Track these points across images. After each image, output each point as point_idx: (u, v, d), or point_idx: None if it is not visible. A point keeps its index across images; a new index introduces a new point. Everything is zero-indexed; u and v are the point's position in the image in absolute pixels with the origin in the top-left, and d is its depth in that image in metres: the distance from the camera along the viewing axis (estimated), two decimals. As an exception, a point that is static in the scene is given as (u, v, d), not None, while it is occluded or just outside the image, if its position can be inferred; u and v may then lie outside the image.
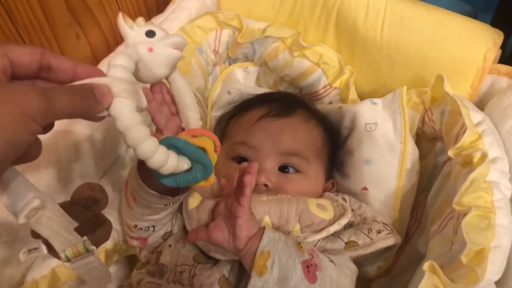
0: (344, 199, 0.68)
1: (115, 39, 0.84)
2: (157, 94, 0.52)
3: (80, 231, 0.36)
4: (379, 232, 0.61)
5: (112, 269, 0.73)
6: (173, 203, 0.56)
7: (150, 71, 0.44)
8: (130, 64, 0.38)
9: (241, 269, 0.57)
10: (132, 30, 0.44)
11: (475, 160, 0.55)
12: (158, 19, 0.83)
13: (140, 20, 0.45)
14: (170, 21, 0.81)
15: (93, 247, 0.37)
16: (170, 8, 0.83)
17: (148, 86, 0.52)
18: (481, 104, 0.68)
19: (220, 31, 0.83)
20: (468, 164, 0.57)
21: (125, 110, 0.35)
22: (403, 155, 0.67)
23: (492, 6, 1.10)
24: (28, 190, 0.34)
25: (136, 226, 0.60)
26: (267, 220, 0.59)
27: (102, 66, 0.71)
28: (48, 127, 0.36)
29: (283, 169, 0.67)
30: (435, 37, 0.70)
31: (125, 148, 0.76)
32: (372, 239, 0.60)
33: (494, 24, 0.71)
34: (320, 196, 0.70)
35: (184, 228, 0.64)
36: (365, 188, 0.70)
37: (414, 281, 0.56)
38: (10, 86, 0.31)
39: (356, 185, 0.71)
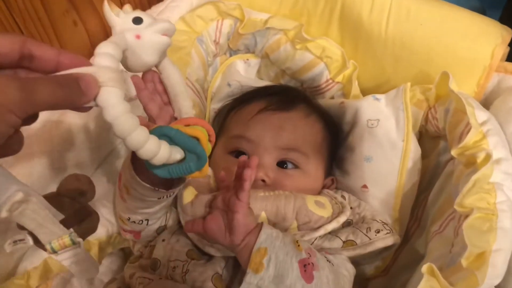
0: (343, 197, 0.67)
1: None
2: (149, 83, 0.51)
3: (66, 223, 0.36)
4: (378, 232, 0.60)
5: (106, 261, 0.72)
6: (167, 196, 0.54)
7: (139, 58, 0.43)
8: (117, 52, 0.37)
9: (235, 266, 0.56)
10: (119, 17, 0.42)
11: (478, 160, 0.54)
12: (158, 8, 0.82)
13: (127, 7, 0.44)
14: (170, 9, 0.79)
15: (80, 239, 0.36)
16: (170, -3, 0.81)
17: (139, 75, 0.50)
18: (486, 103, 0.66)
19: (221, 21, 0.81)
20: (471, 165, 0.55)
21: (113, 100, 0.34)
22: (405, 153, 0.66)
23: (501, 2, 1.08)
24: (10, 183, 0.33)
25: (129, 219, 0.59)
26: (263, 216, 0.58)
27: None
28: (31, 119, 0.35)
29: (281, 164, 0.65)
30: (441, 33, 0.68)
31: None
32: (370, 239, 0.59)
33: (502, 20, 0.70)
34: (319, 193, 0.68)
35: (178, 223, 0.63)
36: (365, 186, 0.68)
37: (412, 282, 0.55)
38: None
39: (356, 182, 0.70)
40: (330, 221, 0.60)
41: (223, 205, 0.53)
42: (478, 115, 0.59)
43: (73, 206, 0.38)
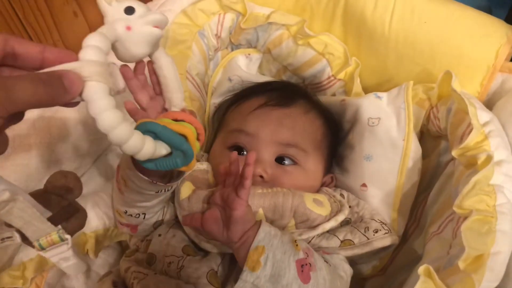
0: (342, 195, 0.67)
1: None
2: (141, 75, 0.50)
3: (54, 220, 0.36)
4: (376, 232, 0.60)
5: (103, 254, 0.73)
6: (164, 190, 0.54)
7: (129, 51, 0.42)
8: (105, 44, 0.36)
9: (231, 263, 0.56)
10: (111, 6, 0.41)
11: (479, 162, 0.53)
12: (160, 0, 0.81)
13: None
14: (171, 2, 0.79)
15: (68, 236, 0.36)
16: (172, -11, 0.81)
17: (130, 65, 0.50)
18: (490, 103, 0.65)
19: (223, 15, 0.80)
20: (472, 166, 0.55)
21: (97, 95, 0.34)
22: (405, 153, 0.65)
23: (508, 1, 1.06)
24: None
25: (126, 212, 0.59)
26: (261, 213, 0.57)
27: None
28: (16, 118, 0.34)
29: (280, 160, 0.65)
30: (445, 31, 0.67)
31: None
32: (368, 239, 0.59)
33: (508, 20, 0.68)
34: (318, 190, 0.68)
35: (175, 218, 0.63)
36: (364, 185, 0.68)
37: (409, 283, 0.55)
38: None
39: (355, 181, 0.69)
40: (328, 220, 0.60)
41: (221, 201, 0.52)
42: (481, 115, 0.58)
43: (61, 203, 0.38)
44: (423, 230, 0.64)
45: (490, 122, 0.58)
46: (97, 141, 0.70)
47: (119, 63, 0.45)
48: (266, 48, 0.82)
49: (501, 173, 0.53)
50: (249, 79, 0.81)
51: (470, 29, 0.66)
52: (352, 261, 0.62)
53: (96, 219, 0.67)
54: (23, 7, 0.66)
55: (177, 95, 0.50)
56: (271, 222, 0.57)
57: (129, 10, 0.41)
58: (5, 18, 0.65)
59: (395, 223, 0.65)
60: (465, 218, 0.50)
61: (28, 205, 0.34)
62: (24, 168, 0.62)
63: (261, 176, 0.62)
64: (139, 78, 0.50)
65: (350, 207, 0.64)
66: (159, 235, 0.60)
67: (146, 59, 0.49)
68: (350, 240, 0.59)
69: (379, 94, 0.70)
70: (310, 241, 0.59)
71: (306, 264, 0.50)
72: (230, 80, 0.82)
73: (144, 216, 0.59)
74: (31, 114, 0.62)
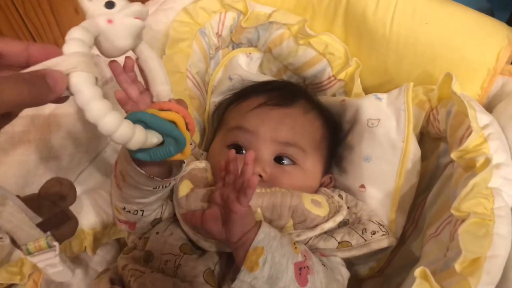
0: (340, 196, 0.67)
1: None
2: (131, 72, 0.50)
3: (44, 226, 0.36)
4: (374, 233, 0.60)
5: (101, 251, 0.73)
6: (162, 187, 0.54)
7: (112, 43, 0.42)
8: (87, 36, 0.36)
9: (228, 262, 0.56)
10: (92, 2, 0.41)
11: (478, 164, 0.53)
12: (161, -2, 0.81)
13: None
14: (173, 0, 0.79)
15: (56, 243, 0.36)
16: (173, -13, 0.81)
17: (118, 59, 0.49)
18: (490, 106, 0.65)
19: (224, 14, 0.80)
20: (470, 168, 0.55)
21: (82, 85, 0.33)
22: (404, 154, 0.65)
23: (510, 4, 1.06)
24: None
25: (124, 208, 0.59)
26: (259, 213, 0.57)
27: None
28: (3, 120, 0.34)
29: (278, 160, 0.65)
30: (446, 33, 0.67)
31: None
32: (366, 240, 0.59)
33: (510, 22, 0.68)
34: (316, 191, 0.68)
35: (173, 216, 0.63)
36: (362, 186, 0.68)
37: (405, 285, 0.55)
38: None
39: (354, 182, 0.69)
40: (326, 220, 0.60)
41: (222, 200, 0.52)
42: (480, 118, 0.58)
43: (52, 209, 0.39)
44: (421, 232, 0.64)
45: (490, 125, 0.58)
46: (96, 138, 0.70)
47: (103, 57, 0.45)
48: (267, 47, 0.82)
49: (499, 176, 0.53)
50: (249, 78, 0.80)
51: (471, 31, 0.66)
52: (349, 262, 0.62)
53: (94, 216, 0.67)
54: (24, 3, 0.66)
55: (164, 87, 0.49)
56: (269, 222, 0.57)
57: (109, 4, 0.41)
58: (6, 14, 0.65)
59: (393, 225, 0.65)
60: (463, 220, 0.50)
61: (17, 209, 0.34)
62: (23, 164, 0.62)
63: (260, 176, 0.61)
64: (129, 75, 0.50)
65: (348, 208, 0.64)
66: (157, 233, 0.60)
67: (135, 57, 0.49)
68: (348, 241, 0.59)
69: (379, 95, 0.70)
70: (307, 242, 0.59)
71: (304, 267, 0.50)
72: (230, 79, 0.82)
73: (142, 213, 0.59)
74: (30, 111, 0.63)
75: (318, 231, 0.58)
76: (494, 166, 0.53)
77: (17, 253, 0.61)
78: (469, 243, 0.47)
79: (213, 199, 0.53)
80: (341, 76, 0.78)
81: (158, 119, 0.40)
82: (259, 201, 0.57)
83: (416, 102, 0.68)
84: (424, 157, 0.68)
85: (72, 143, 0.66)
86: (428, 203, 0.65)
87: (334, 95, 0.81)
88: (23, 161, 0.62)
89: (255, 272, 0.48)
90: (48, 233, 0.36)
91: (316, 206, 0.60)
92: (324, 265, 0.55)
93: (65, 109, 0.64)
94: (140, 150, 0.40)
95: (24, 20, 0.67)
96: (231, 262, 0.55)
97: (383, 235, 0.60)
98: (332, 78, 0.79)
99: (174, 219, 0.62)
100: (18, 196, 0.37)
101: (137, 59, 0.49)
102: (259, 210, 0.57)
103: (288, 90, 0.73)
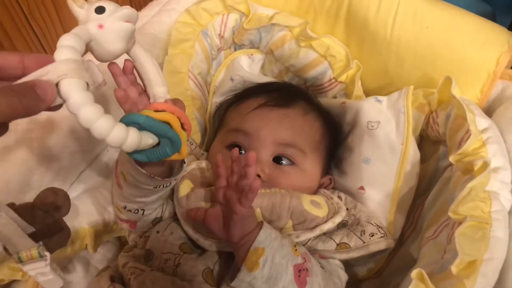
0: (339, 197, 0.67)
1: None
2: (131, 74, 0.51)
3: (36, 236, 0.37)
4: (372, 235, 0.60)
5: (102, 249, 0.73)
6: (163, 186, 0.54)
7: (104, 48, 0.42)
8: (78, 42, 0.37)
9: (228, 262, 0.56)
10: (83, 8, 0.42)
11: (476, 168, 0.53)
12: (164, -1, 0.82)
13: None
14: (176, 1, 0.80)
15: (47, 253, 0.37)
16: (177, -12, 0.81)
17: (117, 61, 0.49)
18: (490, 110, 0.66)
19: (226, 15, 0.81)
20: (468, 172, 0.55)
21: (73, 91, 0.34)
22: (404, 157, 0.65)
23: (512, 8, 1.06)
24: None
25: (125, 207, 0.59)
26: (258, 212, 0.58)
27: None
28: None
29: (277, 160, 0.65)
30: (447, 37, 0.67)
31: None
32: (364, 242, 0.59)
33: (512, 27, 0.69)
34: (315, 192, 0.68)
35: (174, 216, 0.63)
36: (362, 188, 0.68)
37: (402, 286, 0.55)
38: None
39: (353, 183, 0.69)
40: (325, 221, 0.60)
41: (224, 200, 0.52)
42: (479, 122, 0.58)
43: (46, 220, 0.39)
44: (420, 234, 0.64)
45: (489, 129, 0.58)
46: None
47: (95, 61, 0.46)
48: (269, 49, 0.83)
49: (497, 180, 0.53)
50: (250, 79, 0.81)
51: (471, 36, 0.67)
52: (348, 263, 0.63)
53: (96, 214, 0.67)
54: (28, 1, 0.67)
55: (160, 89, 0.50)
56: (269, 222, 0.57)
57: (100, 10, 0.42)
58: (10, 12, 0.65)
59: (391, 226, 0.65)
60: (460, 223, 0.50)
61: (9, 221, 0.35)
62: (25, 162, 0.62)
63: (259, 176, 0.62)
64: (129, 78, 0.51)
65: (347, 209, 0.65)
66: (157, 232, 0.60)
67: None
68: (346, 243, 0.59)
69: (380, 97, 0.70)
70: (306, 243, 0.59)
71: (304, 269, 0.51)
72: (232, 80, 0.82)
73: (143, 212, 0.60)
74: (2, 135, 0.63)
75: (317, 232, 0.59)
76: (492, 170, 0.54)
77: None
78: (465, 246, 0.47)
79: (217, 198, 0.54)
80: (342, 78, 0.79)
81: (152, 121, 0.40)
82: (258, 201, 0.57)
83: (416, 105, 0.68)
84: (423, 159, 0.69)
85: (74, 142, 0.67)
86: (426, 206, 0.65)
87: (335, 97, 0.81)
88: (25, 159, 0.63)
89: (254, 272, 0.48)
90: (40, 243, 0.37)
91: (315, 207, 0.60)
92: (322, 268, 0.55)
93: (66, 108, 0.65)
94: (137, 151, 0.41)
95: (28, 18, 0.68)
96: (230, 261, 0.55)
97: (381, 237, 0.60)
98: (333, 80, 0.80)
99: (174, 218, 0.63)
100: (12, 204, 0.38)
101: (132, 62, 0.50)
102: (258, 210, 0.58)
103: (288, 91, 0.74)
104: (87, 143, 0.70)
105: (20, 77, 0.35)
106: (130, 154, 0.42)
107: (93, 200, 0.68)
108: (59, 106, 0.36)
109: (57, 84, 0.34)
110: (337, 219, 0.61)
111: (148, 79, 0.49)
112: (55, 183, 0.65)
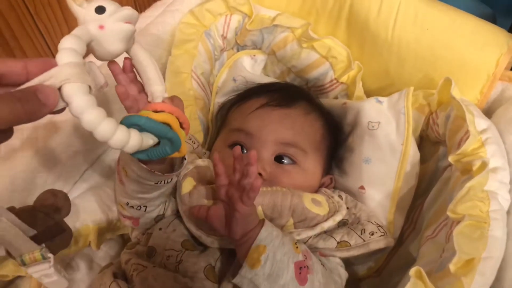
0: (340, 197, 0.68)
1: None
2: (131, 72, 0.51)
3: (38, 238, 0.37)
4: (372, 234, 0.61)
5: (104, 247, 0.74)
6: (164, 182, 0.55)
7: (105, 49, 0.43)
8: (79, 44, 0.37)
9: (229, 258, 0.57)
10: (82, 7, 0.41)
11: (474, 168, 0.54)
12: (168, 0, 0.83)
13: None
14: (179, 2, 0.81)
15: (50, 255, 0.37)
16: (181, -11, 0.82)
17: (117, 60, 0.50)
18: (489, 111, 0.66)
19: (229, 16, 0.82)
20: (467, 172, 0.56)
21: (75, 96, 0.34)
22: (403, 157, 0.66)
23: (513, 10, 1.06)
24: None
25: (128, 203, 0.60)
26: (259, 210, 0.58)
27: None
28: (3, 136, 0.35)
29: (279, 159, 0.66)
30: (447, 38, 0.68)
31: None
32: (364, 240, 0.60)
33: (512, 30, 0.69)
34: (316, 191, 0.69)
35: (176, 213, 0.64)
36: (362, 187, 0.69)
37: (401, 285, 0.55)
38: None
39: (354, 183, 0.70)
40: (326, 219, 0.60)
41: (227, 198, 0.53)
42: (478, 123, 0.59)
43: (47, 222, 0.39)
44: (419, 234, 0.65)
45: (488, 130, 0.59)
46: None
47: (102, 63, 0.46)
48: (271, 49, 0.84)
49: (496, 180, 0.54)
50: (253, 80, 0.82)
51: (471, 37, 0.67)
52: (348, 261, 0.63)
53: (99, 212, 0.68)
54: (35, 2, 0.68)
55: (159, 88, 0.50)
56: (270, 220, 0.58)
57: (100, 10, 0.42)
58: (17, 12, 0.66)
59: (391, 226, 0.66)
60: (458, 222, 0.51)
61: (10, 225, 0.35)
62: (31, 159, 0.63)
63: (260, 174, 0.62)
64: (129, 76, 0.51)
65: (348, 208, 0.65)
66: (160, 229, 0.61)
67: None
68: (347, 241, 0.60)
69: (380, 98, 0.71)
70: (307, 241, 0.60)
71: (304, 267, 0.51)
72: (234, 80, 0.83)
73: (145, 209, 0.61)
74: (7, 140, 0.63)
75: (318, 230, 0.59)
76: (491, 170, 0.54)
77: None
78: (463, 244, 0.48)
79: (219, 196, 0.55)
80: (343, 79, 0.79)
81: (152, 122, 0.41)
82: (260, 199, 0.58)
83: (416, 106, 0.69)
84: (423, 160, 0.69)
85: (79, 141, 0.67)
86: (426, 206, 0.65)
87: (336, 97, 0.82)
88: (31, 157, 0.63)
89: (256, 269, 0.49)
90: (43, 245, 0.37)
91: (316, 205, 0.61)
92: (323, 266, 0.56)
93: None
94: (138, 151, 0.41)
95: (34, 18, 0.69)
96: (231, 259, 0.56)
97: (381, 235, 0.61)
98: (334, 81, 0.80)
99: (177, 215, 0.63)
100: (12, 208, 0.38)
101: (131, 60, 0.50)
102: (260, 208, 0.58)
103: (289, 92, 0.75)
104: (91, 142, 0.70)
105: (24, 83, 0.35)
106: (131, 154, 0.42)
107: (97, 198, 0.69)
108: (62, 110, 0.36)
109: (59, 88, 0.35)
110: (338, 218, 0.61)
111: (146, 77, 0.50)
112: (58, 181, 0.66)
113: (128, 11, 0.43)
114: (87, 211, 0.66)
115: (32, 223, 0.37)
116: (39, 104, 0.33)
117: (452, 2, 0.71)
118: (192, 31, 0.79)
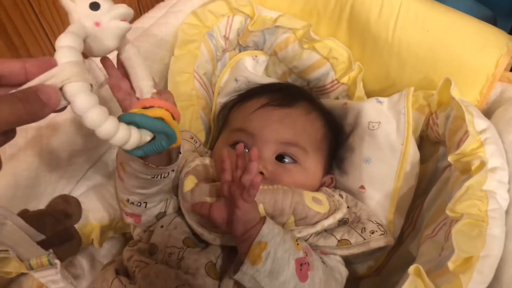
0: (340, 196, 0.68)
1: (137, 13, 0.84)
2: (122, 68, 0.51)
3: (46, 244, 0.37)
4: (373, 233, 0.61)
5: (107, 245, 0.74)
6: (161, 176, 0.55)
7: (99, 46, 0.43)
8: (77, 42, 0.37)
9: (230, 255, 0.58)
10: (75, 3, 0.41)
11: (473, 167, 0.54)
12: (171, 0, 0.83)
13: None
14: (183, 3, 0.81)
15: (57, 261, 0.37)
16: (184, -10, 0.83)
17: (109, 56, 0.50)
18: (489, 112, 0.67)
19: (232, 17, 0.82)
20: (466, 171, 0.56)
21: (78, 95, 0.34)
22: (403, 157, 0.66)
23: (514, 12, 1.07)
24: None
25: (128, 200, 0.60)
26: (261, 208, 0.59)
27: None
28: (5, 137, 0.35)
29: (280, 158, 0.66)
30: (447, 40, 0.69)
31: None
32: (365, 239, 0.60)
33: (512, 32, 0.70)
34: (317, 190, 0.69)
35: (178, 210, 0.65)
36: (362, 187, 0.69)
37: (400, 283, 0.56)
38: None
39: (354, 183, 0.71)
40: (326, 217, 0.61)
41: (229, 195, 0.54)
42: (478, 123, 0.59)
43: (56, 227, 0.40)
44: (419, 233, 0.65)
45: (487, 130, 0.59)
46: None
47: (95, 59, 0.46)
48: (273, 50, 0.84)
49: (495, 180, 0.54)
50: (254, 80, 0.82)
51: (471, 39, 0.68)
52: (348, 260, 0.64)
53: (102, 210, 0.69)
54: (40, 1, 0.68)
55: (147, 83, 0.50)
56: (271, 217, 0.58)
57: (95, 6, 0.41)
58: (22, 12, 0.67)
59: (391, 225, 0.66)
60: (457, 221, 0.51)
61: (16, 229, 0.35)
62: (35, 159, 0.64)
63: (262, 173, 0.63)
64: (121, 71, 0.52)
65: (348, 207, 0.66)
66: (162, 226, 0.62)
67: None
68: (347, 240, 0.60)
69: (381, 99, 0.72)
70: (308, 239, 0.60)
71: (305, 264, 0.52)
72: (236, 80, 0.84)
73: (146, 205, 0.61)
74: (9, 141, 0.64)
75: (318, 227, 0.60)
76: (490, 170, 0.54)
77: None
78: (462, 243, 0.48)
79: (222, 192, 0.55)
80: (344, 80, 0.80)
81: (148, 119, 0.41)
82: (261, 197, 0.59)
83: (416, 106, 0.69)
84: (423, 160, 0.70)
85: (82, 140, 0.68)
86: (426, 205, 0.66)
87: (337, 98, 0.82)
88: (36, 156, 0.64)
89: (257, 265, 0.49)
90: (50, 250, 0.37)
91: (316, 203, 0.61)
92: (323, 263, 0.56)
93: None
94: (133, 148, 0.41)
95: (39, 18, 0.69)
96: (232, 256, 0.57)
97: (382, 234, 0.61)
98: (335, 82, 0.81)
99: (178, 213, 0.64)
100: (25, 211, 0.38)
101: (119, 55, 0.50)
102: (261, 205, 0.59)
103: (290, 92, 0.75)
104: (93, 141, 0.71)
105: (23, 83, 0.34)
106: (128, 152, 0.43)
107: (99, 196, 0.70)
108: (63, 108, 0.36)
109: (61, 88, 0.35)
110: (338, 215, 0.62)
111: (135, 73, 0.50)
112: (61, 180, 0.67)
113: (124, 9, 0.44)
114: (89, 209, 0.67)
115: (41, 227, 0.37)
116: (41, 104, 0.33)
117: (453, 4, 0.72)
118: (195, 31, 0.80)
